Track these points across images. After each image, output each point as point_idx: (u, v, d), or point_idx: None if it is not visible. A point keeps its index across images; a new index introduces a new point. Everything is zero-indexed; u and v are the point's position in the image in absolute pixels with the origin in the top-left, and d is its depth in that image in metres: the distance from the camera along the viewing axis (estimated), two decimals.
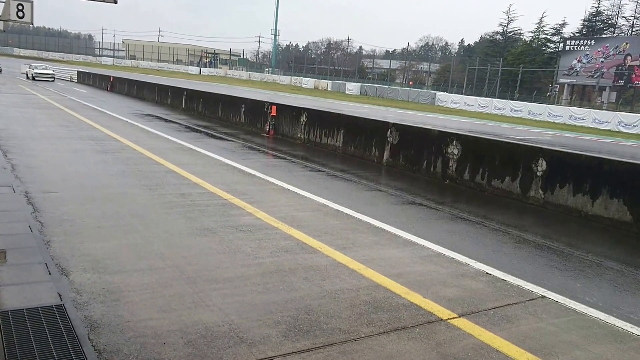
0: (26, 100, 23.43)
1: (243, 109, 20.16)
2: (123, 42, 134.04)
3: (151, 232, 6.18)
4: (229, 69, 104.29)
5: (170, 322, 4.00)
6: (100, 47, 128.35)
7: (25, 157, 10.07)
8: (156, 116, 21.41)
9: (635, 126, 38.10)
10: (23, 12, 7.69)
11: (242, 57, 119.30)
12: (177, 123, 19.51)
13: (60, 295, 4.29)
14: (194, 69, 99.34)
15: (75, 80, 47.32)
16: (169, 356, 3.54)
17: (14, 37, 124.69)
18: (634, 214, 8.15)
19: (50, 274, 4.69)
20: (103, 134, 14.53)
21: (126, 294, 4.43)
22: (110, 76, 39.18)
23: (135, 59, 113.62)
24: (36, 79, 43.15)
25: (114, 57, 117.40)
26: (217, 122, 21.11)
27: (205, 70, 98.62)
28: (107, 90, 36.71)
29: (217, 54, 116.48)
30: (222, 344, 3.75)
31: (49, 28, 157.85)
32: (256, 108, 19.32)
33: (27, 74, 44.87)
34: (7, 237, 5.60)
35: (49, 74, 44.50)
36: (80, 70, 53.19)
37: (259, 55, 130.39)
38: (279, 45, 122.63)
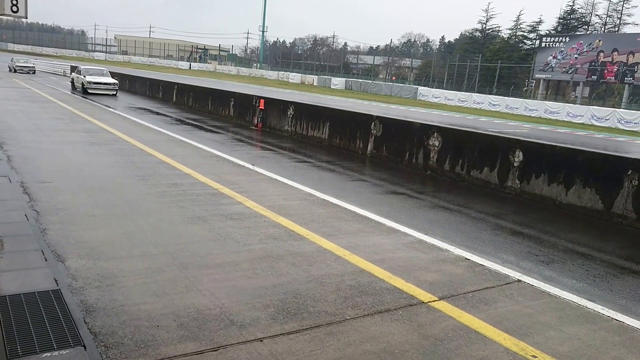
0: (21, 94, 23.06)
1: (232, 103, 20.05)
2: (115, 37, 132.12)
3: (144, 220, 6.14)
4: (218, 64, 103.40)
5: (163, 306, 4.00)
6: (93, 42, 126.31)
7: (21, 149, 9.93)
8: (148, 109, 21.21)
9: (606, 120, 38.53)
10: (17, 7, 7.54)
11: (231, 52, 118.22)
12: (168, 116, 19.35)
13: (56, 280, 4.26)
14: (184, 64, 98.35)
15: (69, 75, 46.60)
16: (163, 338, 3.54)
17: (8, 32, 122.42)
18: (606, 203, 8.27)
19: (46, 260, 4.66)
20: (96, 126, 14.36)
21: (120, 279, 4.41)
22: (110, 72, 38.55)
23: (127, 54, 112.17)
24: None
25: (106, 52, 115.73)
26: (207, 115, 20.97)
27: (195, 65, 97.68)
28: None
29: (207, 49, 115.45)
30: (213, 326, 3.76)
31: (42, 24, 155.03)
32: (245, 102, 19.22)
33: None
34: (3, 225, 5.54)
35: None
36: (74, 65, 52.39)
37: (248, 51, 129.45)
38: (267, 41, 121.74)
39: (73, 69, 32.96)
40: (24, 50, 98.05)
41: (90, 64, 40.46)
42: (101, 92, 26.01)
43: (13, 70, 42.50)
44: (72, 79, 28.81)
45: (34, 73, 42.02)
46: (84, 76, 26.41)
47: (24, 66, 43.14)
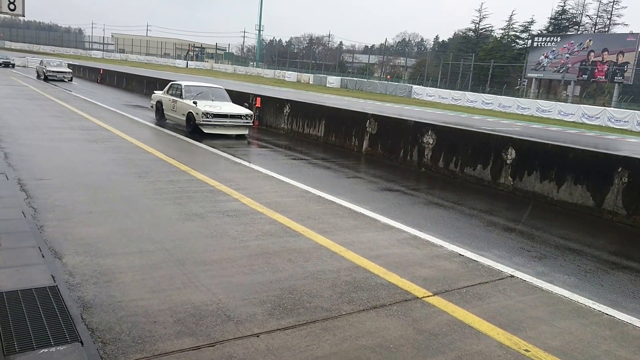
0: (18, 92, 22.90)
1: None
2: (112, 36, 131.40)
3: (141, 217, 6.11)
4: (215, 62, 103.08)
5: (160, 302, 3.98)
6: (90, 40, 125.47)
7: (18, 146, 9.86)
8: (145, 107, 21.09)
9: (597, 118, 38.65)
10: (14, 5, 7.46)
11: (227, 51, 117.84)
12: None
13: (53, 277, 4.23)
14: (181, 63, 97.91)
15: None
16: (160, 334, 3.52)
17: (5, 30, 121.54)
18: (596, 199, 8.30)
19: (43, 257, 4.62)
20: (94, 124, 14.28)
21: (117, 275, 4.39)
22: (100, 69, 38.41)
23: (124, 53, 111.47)
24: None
25: (103, 50, 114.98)
26: None
27: (192, 64, 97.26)
28: (97, 82, 36.02)
29: (204, 48, 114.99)
30: (210, 322, 3.74)
31: (40, 22, 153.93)
32: (241, 99, 19.14)
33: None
34: (1, 222, 5.49)
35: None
36: (71, 63, 52.02)
37: (244, 50, 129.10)
38: (263, 40, 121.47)
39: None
40: (21, 49, 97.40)
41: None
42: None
43: (43, 77, 32.77)
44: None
45: (71, 81, 32.97)
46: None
47: (57, 72, 32.87)
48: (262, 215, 6.56)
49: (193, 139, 12.88)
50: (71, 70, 33.98)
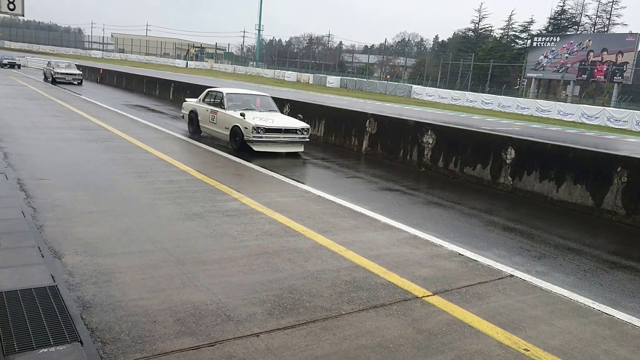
0: (17, 92, 22.89)
1: None
2: (112, 35, 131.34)
3: (141, 217, 6.11)
4: (215, 62, 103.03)
5: (160, 302, 3.97)
6: (90, 40, 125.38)
7: (18, 146, 9.85)
8: (145, 107, 21.10)
9: (596, 118, 38.66)
10: (14, 4, 7.45)
11: (227, 51, 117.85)
12: (165, 113, 19.26)
13: (53, 276, 4.23)
14: (180, 62, 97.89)
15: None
16: (160, 333, 3.52)
17: (5, 30, 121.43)
18: (596, 199, 8.30)
19: (43, 256, 4.62)
20: (93, 123, 14.27)
21: (117, 275, 4.38)
22: (100, 68, 38.41)
23: (123, 52, 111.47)
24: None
25: (103, 50, 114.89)
26: None
27: (192, 64, 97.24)
28: (97, 82, 36.01)
29: (203, 47, 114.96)
30: (210, 322, 3.74)
31: (39, 22, 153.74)
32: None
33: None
34: (0, 222, 5.48)
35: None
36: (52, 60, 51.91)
37: (244, 50, 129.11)
38: (263, 40, 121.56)
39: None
40: (20, 48, 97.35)
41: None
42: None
43: (51, 79, 30.39)
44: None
45: (81, 84, 30.47)
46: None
47: (66, 74, 30.26)
48: (261, 215, 6.56)
49: (195, 140, 12.86)
50: (81, 72, 31.62)
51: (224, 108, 12.07)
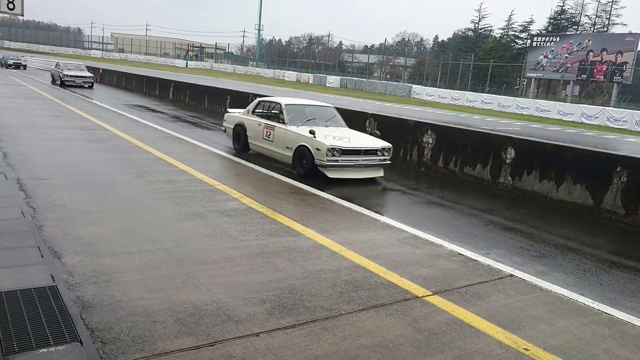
0: (17, 91, 22.88)
1: (229, 100, 19.98)
2: (112, 35, 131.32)
3: (141, 216, 6.10)
4: (215, 62, 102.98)
5: (160, 302, 3.97)
6: (90, 40, 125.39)
7: (17, 146, 9.84)
8: (144, 107, 21.10)
9: (596, 118, 38.66)
10: (13, 4, 7.45)
11: (227, 50, 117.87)
12: (165, 113, 19.25)
13: (52, 276, 4.22)
14: (180, 62, 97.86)
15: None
16: (159, 333, 3.51)
17: (4, 30, 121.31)
18: (595, 199, 8.30)
19: (42, 256, 4.61)
20: (93, 123, 14.27)
21: (117, 275, 4.38)
22: (100, 68, 38.37)
23: (123, 52, 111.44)
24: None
25: (102, 50, 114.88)
26: (204, 112, 20.89)
27: (192, 63, 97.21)
28: (97, 81, 35.94)
29: (203, 47, 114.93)
30: (210, 322, 3.73)
31: (39, 22, 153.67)
32: (241, 99, 19.14)
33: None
34: (0, 222, 5.48)
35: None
36: (60, 61, 51.88)
37: (244, 49, 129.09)
38: (263, 39, 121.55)
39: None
40: (20, 48, 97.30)
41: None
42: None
43: (59, 82, 28.32)
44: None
45: (92, 87, 28.54)
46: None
47: (76, 76, 28.21)
48: (261, 215, 6.55)
49: (195, 140, 12.84)
50: (92, 75, 29.49)
51: (283, 123, 9.85)
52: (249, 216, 6.44)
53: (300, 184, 8.49)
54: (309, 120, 9.97)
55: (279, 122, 9.99)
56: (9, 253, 4.66)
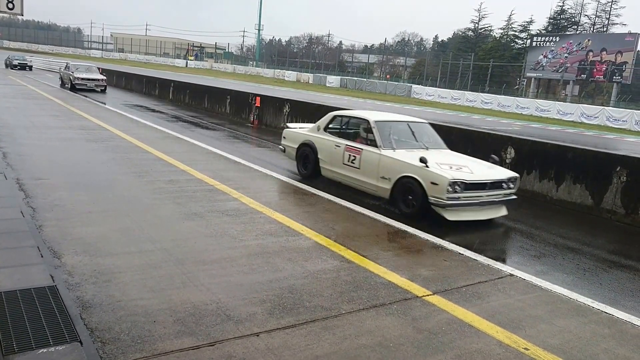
0: (17, 91, 22.87)
1: (228, 100, 19.98)
2: (111, 35, 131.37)
3: (141, 216, 6.10)
4: (215, 62, 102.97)
5: (160, 302, 3.97)
6: (89, 40, 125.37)
7: (17, 146, 9.84)
8: (144, 107, 21.10)
9: (596, 117, 38.68)
10: (13, 4, 7.46)
11: (227, 50, 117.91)
12: (164, 113, 19.25)
13: (52, 276, 4.22)
14: (180, 62, 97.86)
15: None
16: (159, 333, 3.51)
17: (4, 29, 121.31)
18: (595, 198, 8.30)
19: (42, 256, 4.61)
20: (93, 123, 14.27)
21: (117, 275, 4.38)
22: (99, 68, 38.31)
23: (123, 52, 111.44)
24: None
25: (102, 50, 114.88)
26: (204, 112, 20.89)
27: (192, 63, 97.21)
28: None
29: (203, 47, 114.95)
30: (210, 322, 3.73)
31: (39, 21, 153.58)
32: (241, 99, 19.15)
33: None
34: None
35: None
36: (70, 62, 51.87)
37: (244, 49, 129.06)
38: (263, 39, 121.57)
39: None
40: (19, 48, 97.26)
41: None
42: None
43: (69, 85, 26.26)
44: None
45: (104, 91, 26.37)
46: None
47: (88, 79, 26.11)
48: (261, 215, 6.55)
49: (194, 140, 12.82)
50: (105, 77, 27.23)
51: (374, 145, 7.76)
52: (249, 216, 6.44)
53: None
54: (405, 141, 8.02)
55: (368, 144, 7.90)
56: (9, 253, 4.65)
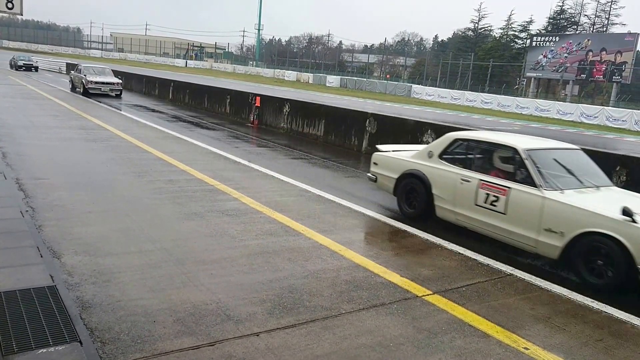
0: (16, 91, 22.86)
1: (228, 100, 19.97)
2: (111, 35, 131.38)
3: (140, 216, 6.10)
4: (214, 62, 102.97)
5: (159, 301, 3.97)
6: (89, 39, 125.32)
7: (16, 146, 9.84)
8: (144, 107, 21.09)
9: (595, 117, 38.70)
10: (12, 3, 7.45)
11: (227, 50, 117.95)
12: (164, 113, 19.24)
13: (52, 276, 4.22)
14: (180, 62, 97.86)
15: (65, 72, 46.23)
16: (159, 333, 3.51)
17: (3, 29, 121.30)
18: None
19: (42, 256, 4.61)
20: (92, 123, 14.26)
21: (117, 275, 4.37)
22: (114, 71, 38.24)
23: (123, 52, 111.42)
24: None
25: (102, 49, 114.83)
26: (204, 112, 20.88)
27: (192, 63, 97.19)
28: None
29: (203, 47, 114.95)
30: (210, 322, 3.73)
31: (38, 21, 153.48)
32: (241, 99, 19.15)
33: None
34: None
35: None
36: (69, 62, 51.86)
37: (243, 49, 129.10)
38: (263, 39, 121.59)
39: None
40: (19, 48, 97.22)
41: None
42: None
43: (81, 89, 23.92)
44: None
45: (119, 96, 23.97)
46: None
47: (102, 83, 23.60)
48: (261, 215, 6.55)
49: (194, 140, 12.80)
50: (120, 81, 24.54)
51: (530, 184, 5.67)
52: (249, 216, 6.44)
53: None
54: (567, 177, 5.95)
55: (516, 181, 5.83)
56: (8, 253, 4.65)
